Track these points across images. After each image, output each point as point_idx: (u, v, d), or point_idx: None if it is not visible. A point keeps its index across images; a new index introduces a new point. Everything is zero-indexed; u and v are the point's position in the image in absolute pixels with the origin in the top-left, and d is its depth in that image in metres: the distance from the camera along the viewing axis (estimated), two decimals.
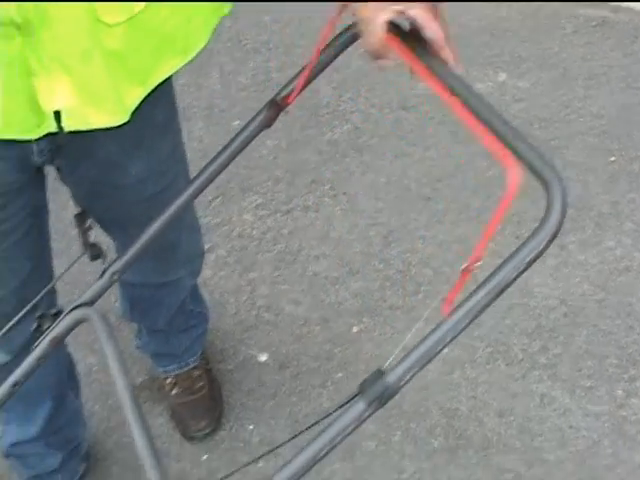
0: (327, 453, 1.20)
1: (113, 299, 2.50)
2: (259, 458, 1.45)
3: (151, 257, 1.58)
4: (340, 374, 2.53)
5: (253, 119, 1.48)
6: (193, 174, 1.50)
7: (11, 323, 1.57)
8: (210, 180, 1.49)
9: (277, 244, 2.97)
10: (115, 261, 1.52)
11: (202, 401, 2.47)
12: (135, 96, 1.40)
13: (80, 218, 1.52)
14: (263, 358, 2.63)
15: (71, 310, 1.55)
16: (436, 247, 2.90)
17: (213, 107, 3.60)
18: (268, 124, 1.48)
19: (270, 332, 2.69)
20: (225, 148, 1.49)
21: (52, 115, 1.31)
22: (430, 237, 2.94)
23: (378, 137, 3.39)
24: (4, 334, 1.59)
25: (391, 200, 3.10)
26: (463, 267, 1.07)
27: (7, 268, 1.66)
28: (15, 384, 1.57)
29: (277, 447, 1.33)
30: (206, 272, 2.80)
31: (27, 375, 1.58)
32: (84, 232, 1.52)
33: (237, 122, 3.40)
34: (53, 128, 1.35)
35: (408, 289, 2.77)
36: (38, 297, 1.59)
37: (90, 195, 1.71)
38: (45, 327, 1.56)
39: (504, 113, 1.09)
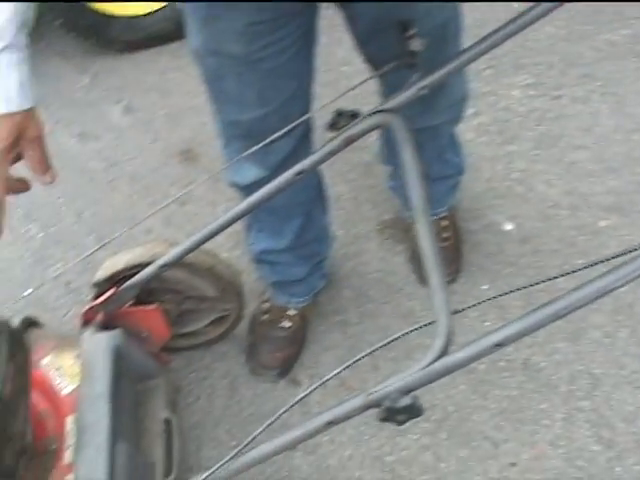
0: (601, 296, 1.17)
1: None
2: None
3: (417, 100, 1.54)
4: (580, 261, 2.44)
5: None
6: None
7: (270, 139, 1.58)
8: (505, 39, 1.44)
9: (540, 125, 2.89)
10: (424, 76, 1.49)
11: (445, 251, 2.44)
12: None
13: (403, 26, 1.49)
14: (508, 227, 2.58)
15: (373, 113, 1.54)
16: None
17: None
18: None
19: (519, 205, 2.63)
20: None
21: None
22: None
23: None
24: (263, 150, 1.62)
25: None
26: None
27: (274, 86, 1.66)
28: (299, 173, 1.59)
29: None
30: (467, 135, 2.76)
31: (313, 167, 1.59)
32: (405, 40, 1.49)
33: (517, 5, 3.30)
34: None
35: None
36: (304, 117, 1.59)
37: (369, 32, 1.68)
38: (340, 125, 1.57)
39: None
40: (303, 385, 2.29)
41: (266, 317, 2.36)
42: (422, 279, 2.44)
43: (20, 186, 1.35)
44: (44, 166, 1.33)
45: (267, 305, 2.37)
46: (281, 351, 2.31)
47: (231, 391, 2.31)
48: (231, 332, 2.32)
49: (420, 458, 2.13)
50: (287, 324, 2.33)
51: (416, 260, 2.46)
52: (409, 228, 2.51)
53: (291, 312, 2.33)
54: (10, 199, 1.33)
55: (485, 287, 2.42)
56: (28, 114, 1.24)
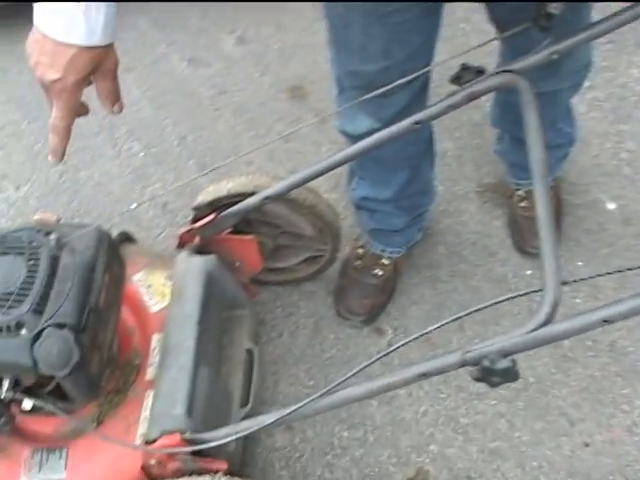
0: None
1: None
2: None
3: (543, 64, 1.48)
4: None
5: None
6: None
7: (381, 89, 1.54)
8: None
9: None
10: (556, 41, 1.43)
11: None
12: None
13: None
14: (611, 206, 2.50)
15: (499, 72, 1.49)
16: None
17: None
18: None
19: (625, 186, 2.54)
20: None
21: None
22: None
23: None
24: (379, 102, 1.61)
25: None
26: None
27: (400, 40, 1.61)
28: (417, 122, 1.55)
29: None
30: (580, 108, 2.67)
31: (430, 119, 1.56)
32: (544, 2, 1.43)
33: None
34: None
35: None
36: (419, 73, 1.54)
37: None
38: (463, 80, 1.52)
39: None
40: (387, 335, 2.26)
41: (359, 263, 2.33)
42: (517, 246, 2.40)
43: (81, 110, 1.37)
44: (114, 97, 1.35)
45: (361, 251, 2.35)
46: (369, 298, 2.29)
47: (314, 331, 2.29)
48: (322, 273, 2.30)
49: (494, 424, 2.10)
50: (379, 272, 2.30)
51: (517, 227, 2.41)
52: (511, 194, 2.45)
53: (385, 261, 2.31)
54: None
55: (580, 264, 2.35)
56: (107, 50, 1.25)
